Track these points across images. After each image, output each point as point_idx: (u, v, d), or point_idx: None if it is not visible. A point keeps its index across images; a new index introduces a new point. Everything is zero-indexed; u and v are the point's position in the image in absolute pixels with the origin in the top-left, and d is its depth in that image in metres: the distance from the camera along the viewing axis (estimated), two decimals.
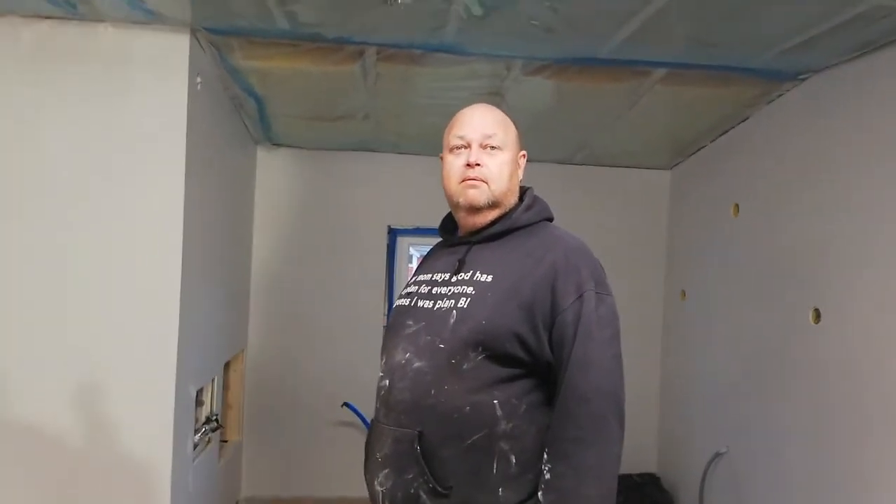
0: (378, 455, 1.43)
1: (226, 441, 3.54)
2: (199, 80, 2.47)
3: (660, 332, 4.07)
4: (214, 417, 3.05)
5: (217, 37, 2.43)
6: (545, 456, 1.34)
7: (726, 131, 3.35)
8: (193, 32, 2.38)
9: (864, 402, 2.34)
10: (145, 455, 2.34)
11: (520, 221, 1.50)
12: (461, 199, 1.49)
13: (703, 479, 3.34)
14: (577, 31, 2.30)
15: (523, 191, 1.58)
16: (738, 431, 3.12)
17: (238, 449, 3.71)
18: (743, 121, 3.19)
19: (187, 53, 2.37)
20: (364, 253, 3.95)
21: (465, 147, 1.50)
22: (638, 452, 3.91)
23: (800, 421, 2.68)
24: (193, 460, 2.70)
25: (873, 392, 2.30)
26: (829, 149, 2.58)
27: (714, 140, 3.48)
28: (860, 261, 2.39)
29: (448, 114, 1.59)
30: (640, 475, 3.85)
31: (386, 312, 3.94)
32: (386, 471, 1.40)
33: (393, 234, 4.06)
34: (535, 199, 1.57)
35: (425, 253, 1.73)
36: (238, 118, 3.30)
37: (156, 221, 2.36)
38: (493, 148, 1.49)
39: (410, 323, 1.47)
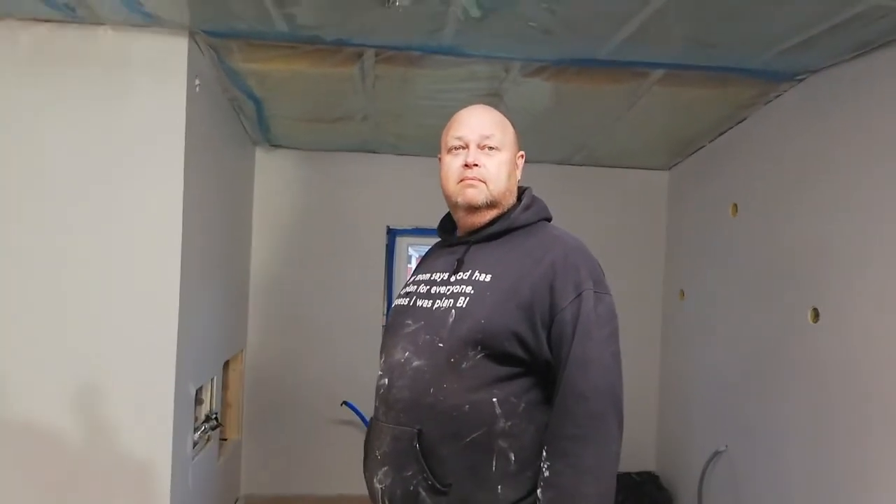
0: (377, 453, 1.44)
1: (225, 439, 3.55)
2: (197, 82, 2.48)
3: (659, 332, 4.08)
4: (214, 416, 3.06)
5: (216, 39, 2.44)
6: (544, 454, 1.34)
7: (724, 132, 3.35)
8: (192, 35, 2.39)
9: (862, 401, 2.35)
10: (145, 453, 2.35)
11: (518, 221, 1.51)
12: (460, 199, 1.50)
13: (702, 478, 3.34)
14: (576, 32, 2.31)
15: (522, 191, 1.59)
16: (737, 430, 3.13)
17: (237, 447, 3.72)
18: (741, 121, 3.20)
19: (186, 56, 2.37)
20: (363, 253, 3.96)
21: (464, 148, 1.50)
22: (637, 451, 3.92)
23: (798, 420, 2.68)
24: (193, 458, 2.71)
25: (872, 391, 2.30)
26: (827, 149, 2.59)
27: (712, 140, 3.49)
28: (859, 260, 2.40)
29: (446, 115, 1.60)
30: (639, 474, 3.85)
31: (385, 312, 3.94)
32: (385, 468, 1.41)
33: (392, 234, 4.06)
34: (534, 199, 1.57)
35: (424, 253, 1.74)
36: (237, 120, 3.30)
37: (155, 222, 2.36)
38: (491, 148, 1.50)
39: (409, 322, 1.47)
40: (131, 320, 2.34)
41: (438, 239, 1.67)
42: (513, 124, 1.58)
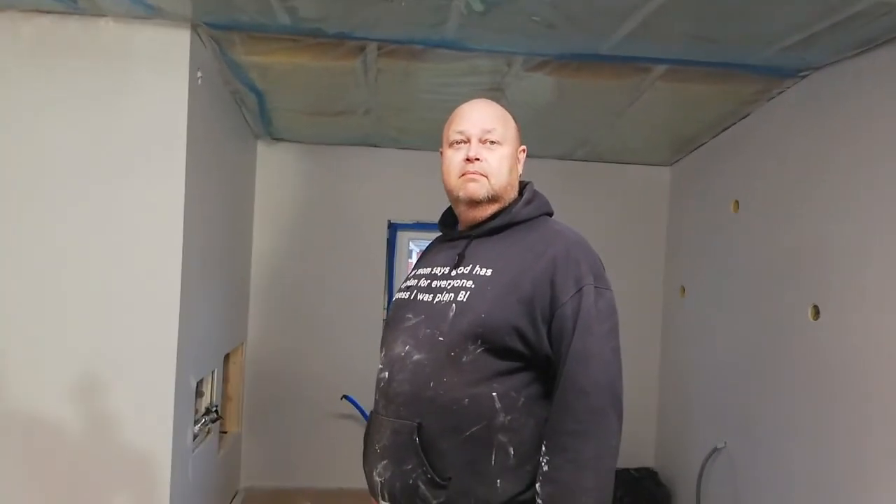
0: (377, 446, 1.44)
1: (225, 432, 3.56)
2: (199, 74, 2.48)
3: (659, 328, 4.08)
4: (214, 409, 3.07)
5: (218, 31, 2.43)
6: (543, 448, 1.35)
7: (727, 128, 3.35)
8: (194, 27, 2.39)
9: (862, 398, 2.35)
10: (145, 445, 2.36)
11: (520, 216, 1.51)
12: (461, 193, 1.50)
13: (701, 474, 3.35)
14: (578, 27, 2.31)
15: (523, 185, 1.59)
16: (737, 427, 3.14)
17: (237, 440, 3.73)
18: (743, 118, 3.19)
19: (188, 48, 2.37)
20: (364, 247, 3.96)
21: (465, 142, 1.50)
22: (636, 447, 3.93)
23: (798, 417, 2.69)
24: (193, 451, 2.72)
25: (872, 389, 2.31)
26: (829, 146, 2.59)
27: (715, 137, 3.48)
28: (859, 257, 2.40)
29: (448, 109, 1.60)
30: (638, 469, 3.86)
31: (386, 306, 3.95)
32: (385, 462, 1.41)
33: (393, 228, 4.07)
34: (535, 193, 1.57)
35: (425, 247, 1.74)
36: (238, 113, 3.30)
37: (156, 215, 2.36)
38: (492, 143, 1.50)
39: (410, 316, 1.48)
40: (133, 312, 2.35)
41: (439, 233, 1.67)
42: (514, 119, 1.58)
